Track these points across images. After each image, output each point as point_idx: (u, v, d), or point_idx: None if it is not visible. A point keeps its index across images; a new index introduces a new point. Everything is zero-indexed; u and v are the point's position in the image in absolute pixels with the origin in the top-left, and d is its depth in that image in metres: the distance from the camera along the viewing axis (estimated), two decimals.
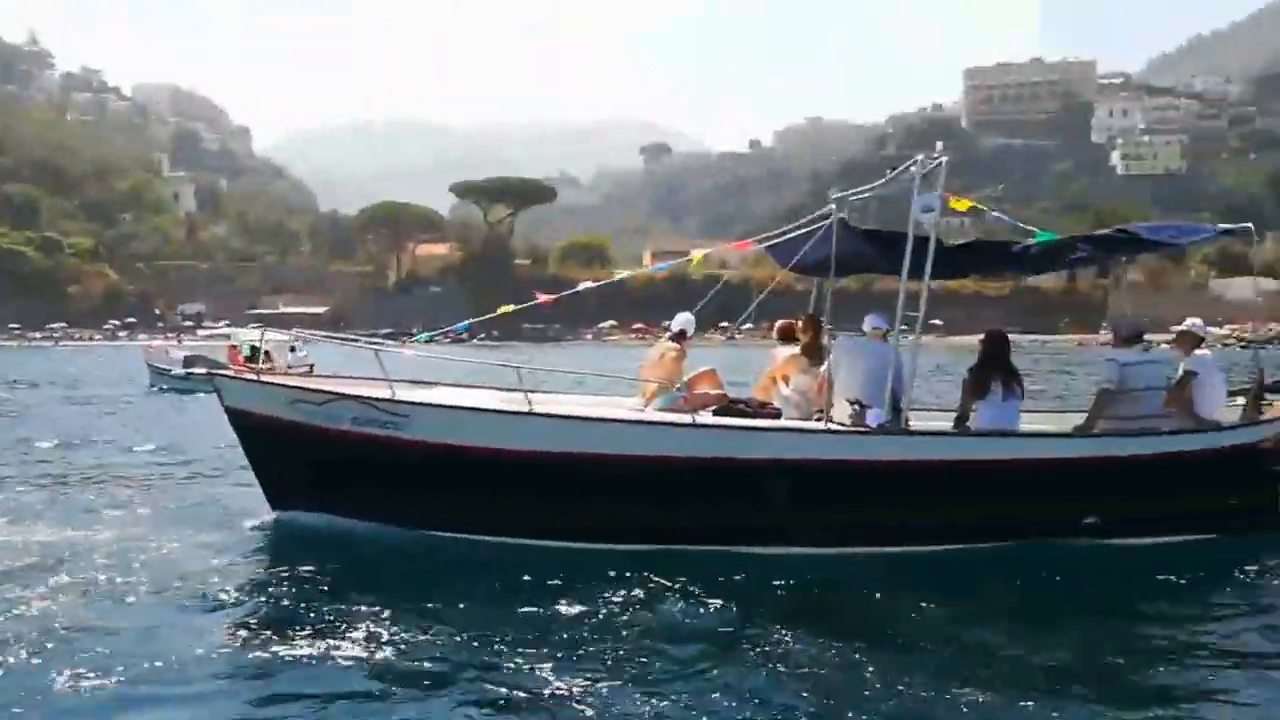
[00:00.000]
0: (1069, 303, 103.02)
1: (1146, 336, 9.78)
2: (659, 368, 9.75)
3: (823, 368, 9.41)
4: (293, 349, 46.60)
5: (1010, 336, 9.81)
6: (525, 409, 8.36)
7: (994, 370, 9.05)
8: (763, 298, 10.19)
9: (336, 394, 8.61)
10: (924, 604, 7.20)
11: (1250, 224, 10.19)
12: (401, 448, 8.36)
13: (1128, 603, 7.51)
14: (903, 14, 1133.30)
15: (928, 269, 8.51)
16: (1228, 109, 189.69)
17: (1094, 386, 9.65)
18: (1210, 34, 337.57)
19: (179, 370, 36.76)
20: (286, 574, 7.79)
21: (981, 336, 9.62)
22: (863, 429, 8.58)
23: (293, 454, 8.81)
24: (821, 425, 8.73)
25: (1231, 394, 10.15)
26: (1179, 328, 9.78)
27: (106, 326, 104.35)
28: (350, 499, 8.79)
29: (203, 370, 9.12)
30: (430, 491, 8.56)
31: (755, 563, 8.00)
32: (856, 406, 8.72)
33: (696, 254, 11.15)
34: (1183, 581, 8.02)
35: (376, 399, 8.49)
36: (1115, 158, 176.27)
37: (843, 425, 8.67)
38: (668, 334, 10.05)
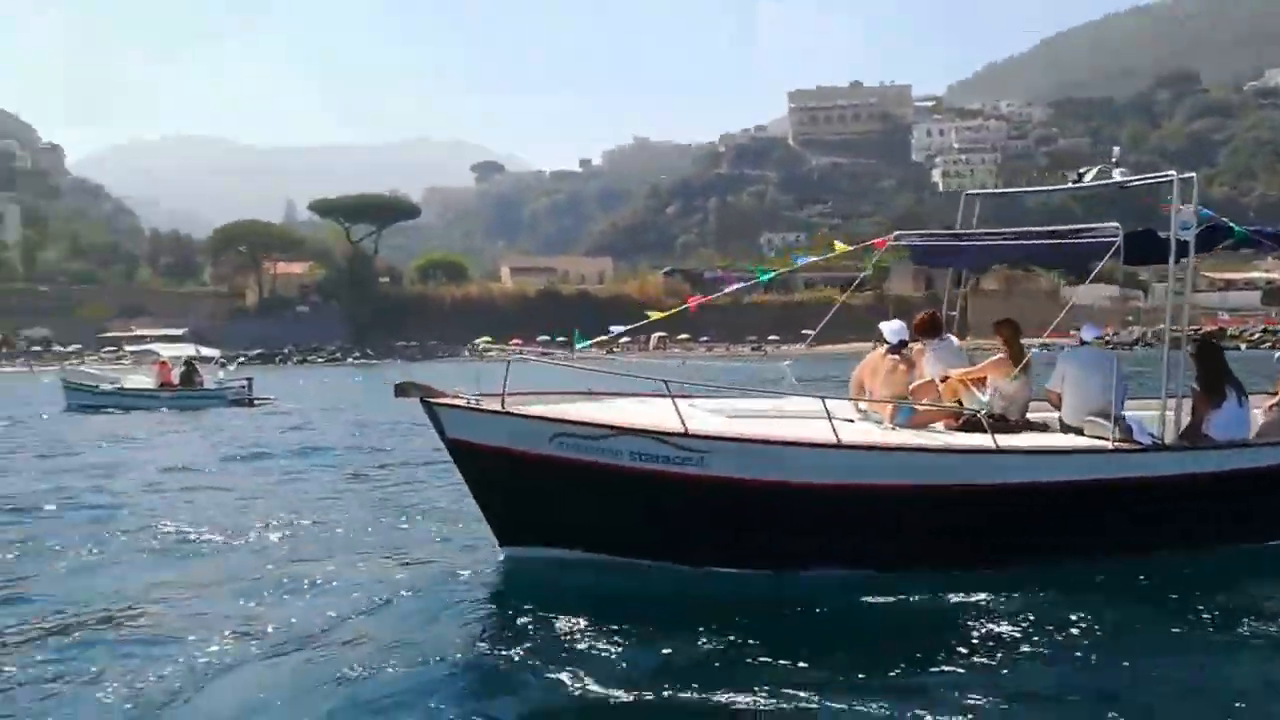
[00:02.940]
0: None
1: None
2: (891, 381, 9.38)
3: (1029, 374, 9.45)
4: (222, 365, 45.75)
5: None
6: (832, 440, 7.87)
7: (1225, 378, 9.15)
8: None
9: (617, 428, 7.98)
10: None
11: None
12: (696, 485, 7.85)
13: None
14: (718, 39, 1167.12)
15: (1189, 283, 8.90)
16: (1032, 129, 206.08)
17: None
18: (1004, 61, 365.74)
19: (107, 386, 35.75)
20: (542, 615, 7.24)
21: (1194, 348, 9.52)
22: (1143, 446, 8.51)
23: (546, 491, 8.18)
24: (1121, 444, 8.49)
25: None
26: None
27: None
28: (618, 536, 8.30)
29: (415, 396, 8.02)
30: (727, 529, 8.11)
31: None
32: (1103, 420, 8.65)
33: (839, 246, 10.13)
34: None
35: (668, 433, 7.87)
36: (936, 175, 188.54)
37: (1118, 441, 8.49)
38: (884, 346, 9.61)
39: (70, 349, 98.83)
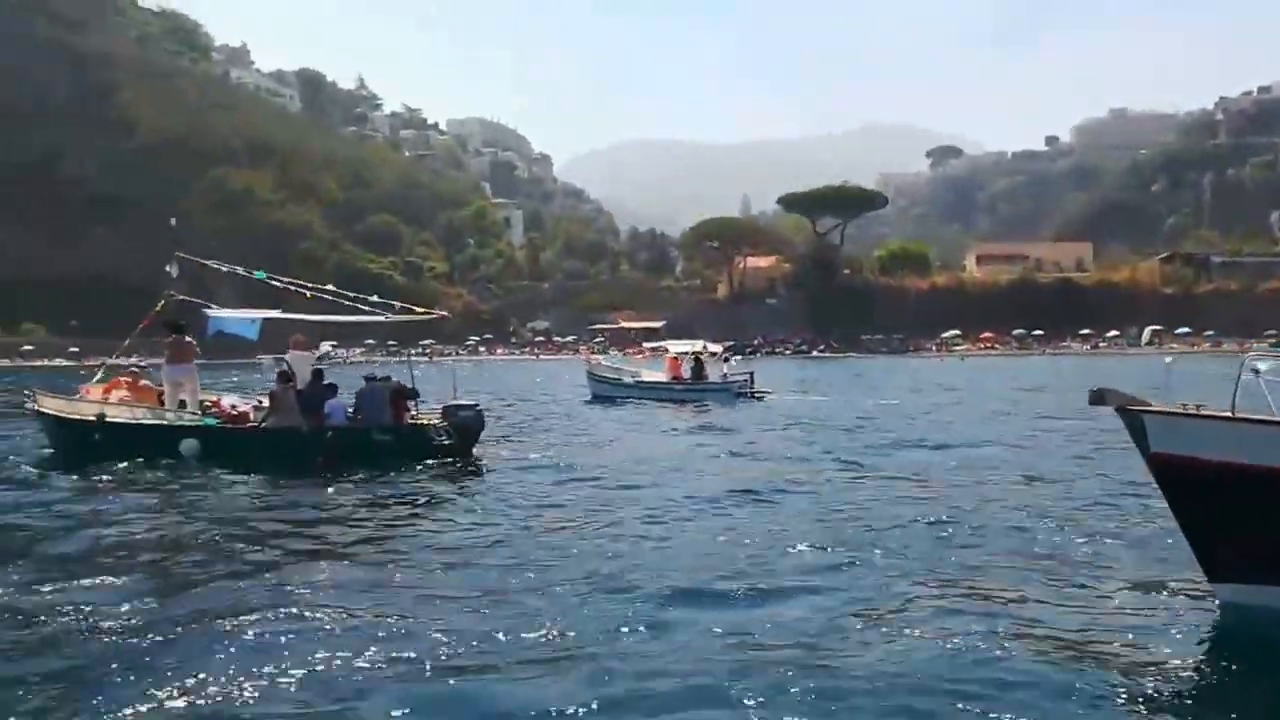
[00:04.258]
0: None
1: None
2: None
3: None
4: (726, 359, 47.08)
5: None
6: None
7: None
8: None
9: None
10: None
11: None
12: None
13: None
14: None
15: None
16: None
17: None
18: None
19: (628, 379, 37.77)
20: None
21: None
22: None
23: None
24: None
25: None
26: None
27: (468, 343, 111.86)
28: None
29: (1113, 404, 7.10)
30: None
31: None
32: None
33: None
34: None
35: None
36: None
37: None
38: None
39: (567, 339, 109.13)
